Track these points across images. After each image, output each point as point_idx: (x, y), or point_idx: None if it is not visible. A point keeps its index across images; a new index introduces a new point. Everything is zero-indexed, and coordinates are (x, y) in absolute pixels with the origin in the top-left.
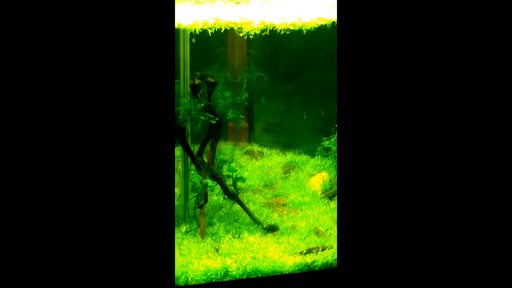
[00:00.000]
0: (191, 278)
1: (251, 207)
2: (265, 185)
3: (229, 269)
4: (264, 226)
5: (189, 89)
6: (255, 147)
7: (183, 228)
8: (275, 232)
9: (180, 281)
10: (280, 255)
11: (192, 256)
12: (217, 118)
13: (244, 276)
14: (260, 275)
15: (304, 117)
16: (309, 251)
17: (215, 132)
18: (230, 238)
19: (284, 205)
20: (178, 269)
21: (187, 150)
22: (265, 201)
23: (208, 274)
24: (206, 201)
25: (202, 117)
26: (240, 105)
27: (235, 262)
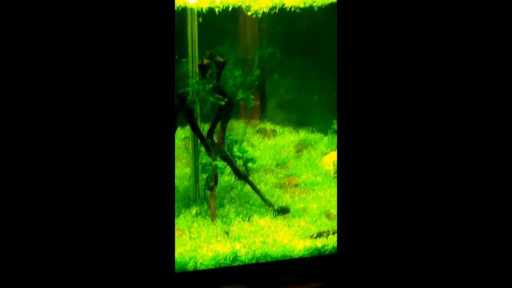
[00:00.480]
0: (200, 263)
1: (262, 187)
2: (277, 165)
3: (238, 254)
4: (275, 208)
5: (197, 69)
6: (268, 125)
7: (193, 211)
8: (286, 215)
9: (189, 266)
10: (290, 239)
11: (202, 240)
12: (226, 99)
13: (254, 261)
14: (269, 259)
15: (315, 98)
16: (319, 234)
17: (225, 113)
18: (239, 221)
19: (296, 185)
20: (187, 254)
21: (196, 131)
22: (277, 181)
23: (217, 259)
24: (216, 183)
25: (211, 98)
26: (250, 85)
27: (244, 246)
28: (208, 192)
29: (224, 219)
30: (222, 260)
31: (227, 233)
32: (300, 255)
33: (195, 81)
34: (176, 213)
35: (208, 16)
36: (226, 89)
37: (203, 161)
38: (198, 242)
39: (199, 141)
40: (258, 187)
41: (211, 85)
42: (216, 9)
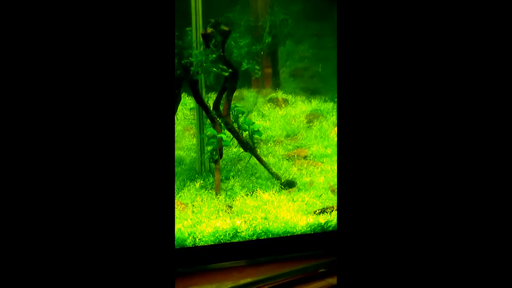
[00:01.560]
0: (199, 239)
1: (270, 159)
2: (287, 136)
3: (238, 230)
4: (282, 181)
5: (201, 39)
6: (280, 95)
7: (197, 184)
8: (291, 189)
9: (188, 242)
10: (293, 214)
11: (203, 215)
12: (230, 70)
13: (254, 237)
14: (270, 235)
15: (319, 70)
16: (323, 210)
17: (231, 84)
18: (242, 196)
19: (305, 157)
20: (185, 230)
21: (200, 103)
22: (286, 153)
23: (216, 235)
24: (221, 155)
25: (215, 69)
26: (256, 55)
27: (245, 222)
28: (213, 165)
29: (228, 193)
30: (222, 236)
31: (230, 207)
32: (302, 231)
33: (198, 51)
34: (180, 186)
35: None
36: (231, 59)
37: (208, 133)
38: (200, 217)
39: (204, 113)
40: (266, 159)
41: (214, 55)
42: None
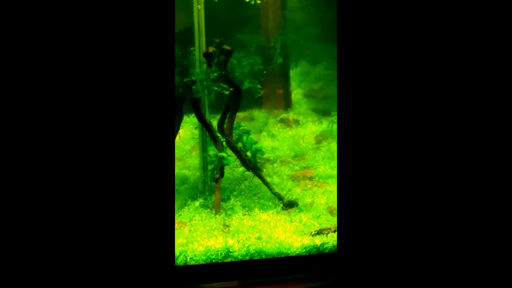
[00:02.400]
0: (190, 258)
1: (275, 180)
2: (295, 156)
3: (231, 250)
4: (284, 201)
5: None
6: (291, 115)
7: (197, 203)
8: (291, 209)
9: (179, 261)
10: (289, 235)
11: (198, 234)
12: (231, 89)
13: (247, 257)
14: (264, 256)
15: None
16: (319, 232)
17: (234, 103)
18: (240, 215)
19: (311, 178)
20: (177, 248)
21: (202, 121)
22: (292, 173)
23: (207, 254)
24: (222, 175)
25: (216, 87)
26: (259, 74)
27: (238, 242)
28: (214, 184)
29: (228, 212)
30: (214, 256)
31: (227, 226)
32: (297, 252)
33: (199, 70)
34: (181, 205)
35: (227, 2)
36: (234, 78)
37: (210, 152)
38: (194, 235)
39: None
40: (270, 179)
41: (216, 74)
42: None
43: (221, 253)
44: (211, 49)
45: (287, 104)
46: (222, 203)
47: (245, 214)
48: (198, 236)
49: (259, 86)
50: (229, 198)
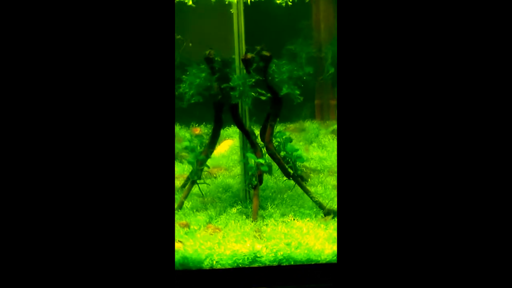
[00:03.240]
0: (216, 262)
1: (319, 189)
2: None
3: (258, 255)
4: (325, 210)
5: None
6: None
7: (234, 209)
8: (327, 217)
9: (204, 264)
10: (321, 242)
11: (228, 239)
12: (269, 94)
13: (275, 263)
14: (292, 262)
15: None
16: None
17: (274, 110)
18: (273, 223)
19: None
20: (204, 252)
21: (240, 127)
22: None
23: (234, 259)
24: (260, 181)
25: (253, 93)
26: (298, 79)
27: (266, 247)
28: (252, 191)
29: (265, 219)
30: (240, 260)
31: (260, 232)
32: (327, 260)
33: (236, 76)
34: (221, 212)
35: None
36: (274, 84)
37: (253, 160)
38: (225, 241)
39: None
40: (315, 188)
41: (253, 80)
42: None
43: (248, 258)
44: (249, 55)
45: None
46: (261, 210)
47: (281, 221)
48: (228, 241)
49: (297, 92)
50: (269, 206)
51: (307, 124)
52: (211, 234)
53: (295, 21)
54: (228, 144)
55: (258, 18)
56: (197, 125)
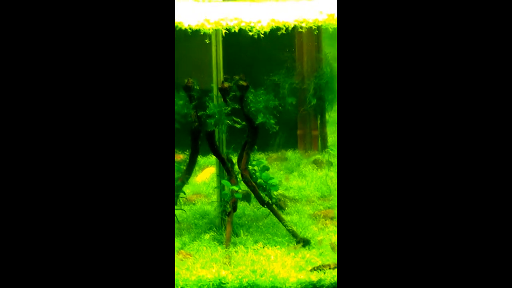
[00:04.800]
0: (181, 287)
1: (294, 217)
2: (322, 196)
3: (223, 281)
4: (297, 238)
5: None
6: (326, 157)
7: (207, 236)
8: (297, 246)
9: None
10: (287, 270)
11: (197, 265)
12: (243, 122)
13: None
14: None
15: None
16: (318, 268)
17: (250, 138)
18: (243, 250)
19: (332, 218)
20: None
21: (216, 154)
22: (314, 212)
23: (199, 285)
24: (234, 209)
25: (228, 121)
26: (273, 109)
27: (232, 274)
28: (226, 218)
29: (237, 246)
30: (205, 286)
31: (229, 259)
32: (292, 287)
33: (213, 104)
34: (195, 238)
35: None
36: (250, 113)
37: (227, 187)
38: (194, 266)
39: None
40: (290, 217)
41: (229, 108)
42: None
43: (213, 284)
44: (226, 84)
45: (322, 145)
46: (234, 237)
47: (251, 248)
48: (196, 267)
49: (273, 121)
50: (241, 233)
51: (289, 153)
52: (181, 260)
53: (276, 51)
54: (210, 172)
55: (236, 48)
56: (180, 152)
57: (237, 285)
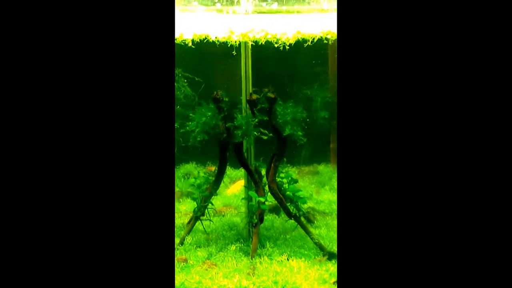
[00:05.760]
0: None
1: (322, 231)
2: None
3: None
4: (324, 251)
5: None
6: None
7: (233, 247)
8: (322, 258)
9: None
10: (310, 282)
11: (220, 275)
12: (270, 134)
13: None
14: None
15: None
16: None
17: (278, 150)
18: (267, 261)
19: None
20: (191, 285)
21: (244, 165)
22: None
23: None
24: (261, 220)
25: (255, 132)
26: (301, 121)
27: (253, 284)
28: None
29: (262, 257)
30: None
31: (253, 269)
32: None
33: (240, 115)
34: (222, 249)
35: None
36: (278, 125)
37: (254, 198)
38: (217, 276)
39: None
40: (319, 230)
41: (256, 120)
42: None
43: None
44: (254, 96)
45: None
46: (260, 249)
47: (276, 260)
48: (219, 276)
49: (300, 133)
50: (267, 245)
51: (321, 167)
52: (206, 270)
53: (306, 64)
54: (241, 184)
55: (266, 61)
56: (210, 163)
57: None
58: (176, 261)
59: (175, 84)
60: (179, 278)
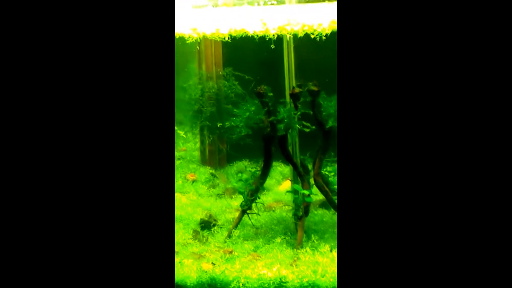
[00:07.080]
0: (242, 284)
1: None
2: None
3: (284, 280)
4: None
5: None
6: None
7: (278, 239)
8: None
9: (231, 285)
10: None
11: (261, 265)
12: (313, 127)
13: None
14: None
15: None
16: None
17: (323, 142)
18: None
19: None
20: (232, 275)
21: (288, 158)
22: None
23: (260, 282)
24: (306, 213)
25: (298, 125)
26: None
27: (293, 273)
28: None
29: (307, 249)
30: (266, 285)
31: (297, 259)
32: None
33: (282, 109)
34: (269, 241)
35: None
36: (321, 118)
37: (299, 191)
38: (258, 266)
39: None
40: None
41: (299, 113)
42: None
43: (273, 283)
44: (296, 90)
45: None
46: (307, 241)
47: (318, 252)
48: (259, 266)
49: None
50: (313, 237)
51: None
52: (250, 261)
53: None
54: None
55: (309, 53)
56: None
57: (297, 285)
58: (222, 253)
59: (226, 82)
60: (221, 268)
